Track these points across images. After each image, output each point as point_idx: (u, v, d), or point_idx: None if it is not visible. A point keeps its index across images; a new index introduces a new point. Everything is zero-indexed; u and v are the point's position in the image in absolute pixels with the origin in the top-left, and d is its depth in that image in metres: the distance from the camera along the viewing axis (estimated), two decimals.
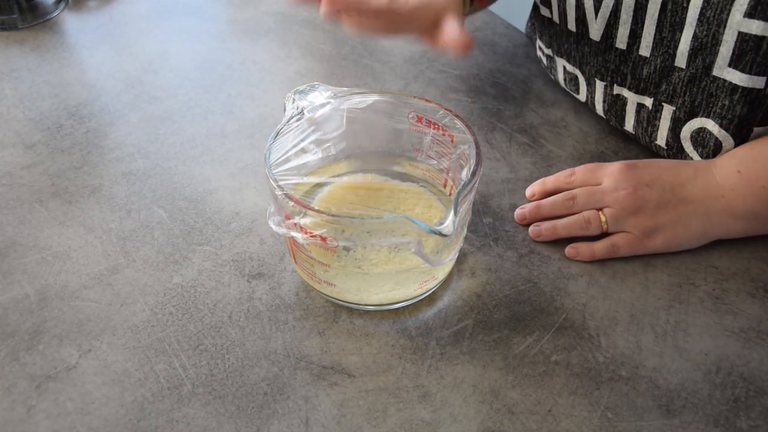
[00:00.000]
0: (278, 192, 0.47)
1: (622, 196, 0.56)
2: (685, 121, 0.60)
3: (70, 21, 0.86)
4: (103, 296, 0.53)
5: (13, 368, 0.49)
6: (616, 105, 0.66)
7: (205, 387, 0.48)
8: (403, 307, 0.53)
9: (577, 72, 0.68)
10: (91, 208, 0.61)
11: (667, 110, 0.61)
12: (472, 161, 0.50)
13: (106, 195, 0.62)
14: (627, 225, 0.56)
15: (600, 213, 0.56)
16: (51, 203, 0.61)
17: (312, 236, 0.47)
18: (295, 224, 0.47)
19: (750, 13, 0.51)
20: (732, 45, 0.53)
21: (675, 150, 0.62)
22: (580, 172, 0.60)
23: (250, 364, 0.49)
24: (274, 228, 0.49)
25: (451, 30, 0.55)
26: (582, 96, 0.70)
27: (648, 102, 0.62)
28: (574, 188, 0.59)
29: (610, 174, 0.58)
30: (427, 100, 0.55)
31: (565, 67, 0.70)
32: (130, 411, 0.46)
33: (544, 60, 0.74)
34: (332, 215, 0.46)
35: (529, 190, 0.62)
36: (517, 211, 0.60)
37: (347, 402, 0.47)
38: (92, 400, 0.47)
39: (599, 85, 0.66)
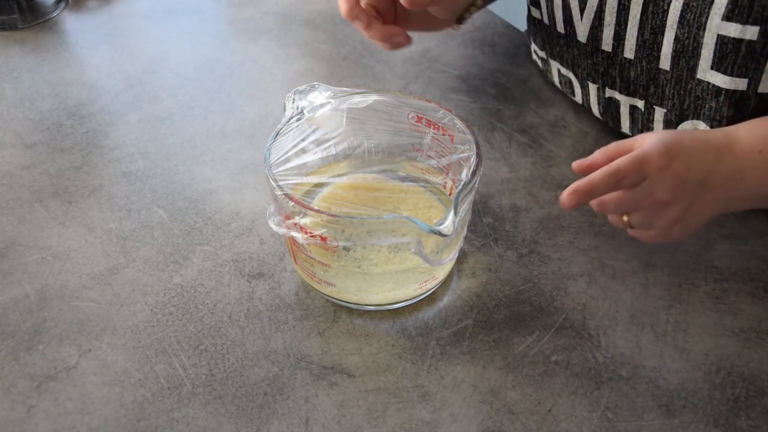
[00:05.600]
0: (278, 192, 0.47)
1: (658, 202, 0.52)
2: (677, 123, 0.60)
3: (70, 21, 0.86)
4: (103, 296, 0.53)
5: (13, 368, 0.49)
6: (611, 107, 0.66)
7: (205, 387, 0.48)
8: (403, 307, 0.53)
9: (571, 75, 0.68)
10: (91, 208, 0.61)
11: (659, 113, 0.61)
12: (472, 161, 0.50)
13: (106, 195, 0.62)
14: (655, 226, 0.53)
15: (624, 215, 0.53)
16: (51, 203, 0.61)
17: (312, 236, 0.47)
18: (295, 224, 0.47)
19: (728, 16, 0.51)
20: (712, 48, 0.53)
21: None
22: (627, 173, 0.51)
23: (250, 364, 0.49)
24: (274, 228, 0.49)
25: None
26: (578, 98, 0.70)
27: (640, 104, 0.62)
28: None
29: (653, 174, 0.51)
30: (427, 100, 0.55)
31: (559, 70, 0.70)
32: (130, 411, 0.46)
33: (540, 63, 0.74)
34: (332, 215, 0.46)
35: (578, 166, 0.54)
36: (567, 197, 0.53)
37: (347, 402, 0.47)
38: (92, 400, 0.47)
39: (592, 88, 0.66)
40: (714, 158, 0.52)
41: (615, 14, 0.59)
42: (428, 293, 0.54)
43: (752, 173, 0.52)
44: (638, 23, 0.58)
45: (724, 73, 0.54)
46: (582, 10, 0.61)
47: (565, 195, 0.50)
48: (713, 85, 0.55)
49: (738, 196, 0.53)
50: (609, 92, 0.64)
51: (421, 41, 0.81)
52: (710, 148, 0.53)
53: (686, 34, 0.55)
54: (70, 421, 0.46)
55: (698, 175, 0.52)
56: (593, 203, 0.53)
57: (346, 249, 0.51)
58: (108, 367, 0.49)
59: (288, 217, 0.48)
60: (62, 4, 0.88)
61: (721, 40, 0.52)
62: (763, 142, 0.52)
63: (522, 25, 0.84)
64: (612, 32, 0.60)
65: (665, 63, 0.57)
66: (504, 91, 0.75)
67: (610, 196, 0.52)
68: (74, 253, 0.57)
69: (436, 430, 0.46)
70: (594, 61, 0.64)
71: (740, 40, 0.52)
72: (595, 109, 0.68)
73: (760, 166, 0.52)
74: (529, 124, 0.71)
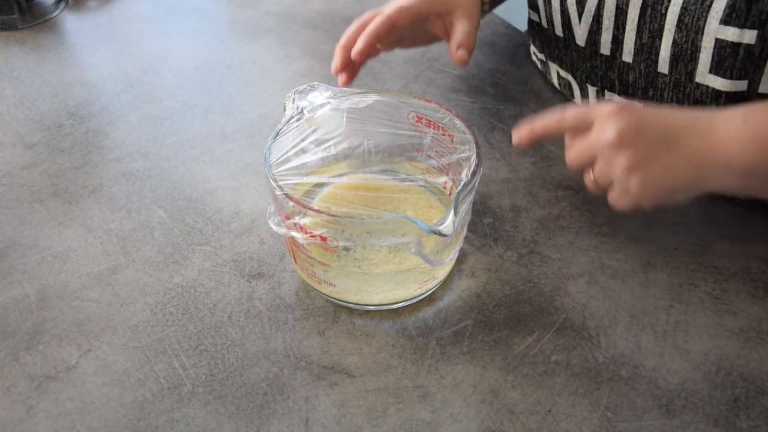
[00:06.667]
0: (278, 192, 0.47)
1: (606, 145, 0.49)
2: None
3: (70, 21, 0.86)
4: (103, 296, 0.53)
5: (13, 368, 0.49)
6: None
7: (205, 387, 0.48)
8: (403, 307, 0.53)
9: (570, 77, 0.68)
10: (91, 208, 0.61)
11: None
12: (472, 161, 0.50)
13: (106, 195, 0.62)
14: (613, 176, 0.50)
15: (590, 172, 0.52)
16: (51, 203, 0.61)
17: (312, 236, 0.47)
18: (295, 224, 0.47)
19: (725, 20, 0.51)
20: (711, 52, 0.53)
21: None
22: (571, 119, 0.52)
23: (250, 364, 0.49)
24: (274, 228, 0.49)
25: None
26: (577, 100, 0.70)
27: None
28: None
29: (600, 118, 0.50)
30: (427, 100, 0.55)
31: (558, 72, 0.70)
32: (130, 411, 0.46)
33: (539, 65, 0.75)
34: (332, 215, 0.46)
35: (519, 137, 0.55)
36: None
37: (347, 402, 0.47)
38: (92, 400, 0.47)
39: (591, 91, 0.66)
40: (683, 117, 0.50)
41: (613, 18, 0.59)
42: (428, 293, 0.54)
43: (734, 144, 0.48)
44: (636, 27, 0.58)
45: (723, 76, 0.54)
46: (580, 14, 0.61)
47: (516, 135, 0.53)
48: (712, 89, 0.55)
49: (716, 163, 0.48)
50: (608, 95, 0.64)
51: None
52: (684, 112, 0.50)
53: (684, 38, 0.55)
54: (70, 421, 0.46)
55: (656, 126, 0.49)
56: (567, 160, 0.53)
57: (346, 249, 0.51)
58: (108, 367, 0.49)
59: (288, 217, 0.48)
60: (62, 4, 0.88)
61: (719, 44, 0.52)
62: (749, 113, 0.49)
63: (522, 25, 0.84)
64: (610, 36, 0.60)
65: (663, 67, 0.57)
66: (504, 91, 0.75)
67: (571, 145, 0.52)
68: (74, 253, 0.57)
69: (436, 430, 0.46)
70: (593, 65, 0.64)
71: (738, 44, 0.52)
72: None
73: (744, 136, 0.48)
74: None
